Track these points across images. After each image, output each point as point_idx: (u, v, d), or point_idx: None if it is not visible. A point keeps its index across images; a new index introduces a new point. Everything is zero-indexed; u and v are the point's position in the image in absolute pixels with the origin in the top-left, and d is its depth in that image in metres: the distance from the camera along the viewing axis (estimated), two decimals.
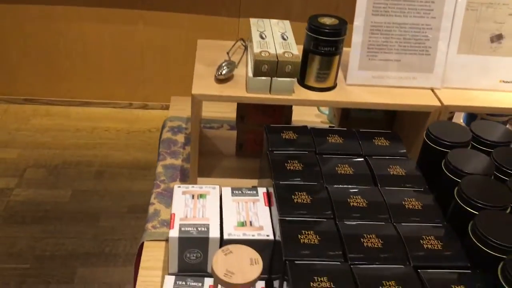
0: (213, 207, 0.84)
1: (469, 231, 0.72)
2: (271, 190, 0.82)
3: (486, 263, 0.69)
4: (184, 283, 0.80)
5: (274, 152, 0.89)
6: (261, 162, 1.00)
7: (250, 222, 0.81)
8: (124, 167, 2.30)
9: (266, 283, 0.82)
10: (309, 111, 1.34)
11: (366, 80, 1.03)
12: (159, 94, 2.64)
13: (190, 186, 0.88)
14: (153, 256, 0.93)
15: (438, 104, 0.99)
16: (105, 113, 2.65)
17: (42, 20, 2.43)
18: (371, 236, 0.73)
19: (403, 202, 0.80)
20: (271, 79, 0.95)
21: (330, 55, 0.97)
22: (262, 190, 0.88)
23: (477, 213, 0.73)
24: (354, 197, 0.80)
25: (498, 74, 1.04)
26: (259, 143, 1.09)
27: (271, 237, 0.79)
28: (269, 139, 0.91)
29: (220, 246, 0.78)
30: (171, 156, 1.19)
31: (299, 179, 0.83)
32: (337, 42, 0.96)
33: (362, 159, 0.88)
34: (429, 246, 0.72)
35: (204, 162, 1.13)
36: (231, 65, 1.00)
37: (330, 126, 1.28)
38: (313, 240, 0.72)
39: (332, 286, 0.65)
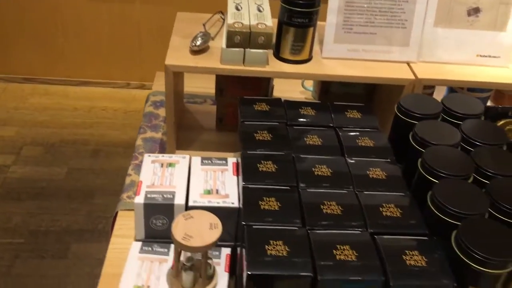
0: (181, 175, 0.85)
1: (428, 199, 0.72)
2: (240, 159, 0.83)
3: (444, 231, 0.69)
4: (150, 248, 0.81)
5: (245, 123, 0.89)
6: (237, 134, 1.01)
7: (217, 190, 0.82)
8: (120, 146, 2.32)
9: (232, 251, 0.83)
10: (293, 88, 1.34)
11: (342, 54, 1.02)
12: None
13: (160, 155, 0.89)
14: (125, 225, 0.94)
15: (412, 77, 0.99)
16: (103, 92, 2.66)
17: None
18: (331, 203, 0.73)
19: (368, 172, 0.80)
20: (244, 50, 0.95)
21: (304, 26, 0.97)
22: (232, 160, 0.89)
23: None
24: (320, 166, 0.80)
25: (475, 48, 1.03)
26: (238, 116, 1.10)
27: (236, 204, 0.80)
28: (241, 111, 0.92)
29: None
30: (151, 129, 1.20)
31: (267, 149, 0.83)
32: (311, 13, 0.96)
33: (332, 130, 0.89)
34: (388, 214, 0.72)
35: (184, 135, 1.14)
36: (206, 37, 1.00)
37: None
38: (273, 206, 0.72)
39: (287, 249, 0.66)
